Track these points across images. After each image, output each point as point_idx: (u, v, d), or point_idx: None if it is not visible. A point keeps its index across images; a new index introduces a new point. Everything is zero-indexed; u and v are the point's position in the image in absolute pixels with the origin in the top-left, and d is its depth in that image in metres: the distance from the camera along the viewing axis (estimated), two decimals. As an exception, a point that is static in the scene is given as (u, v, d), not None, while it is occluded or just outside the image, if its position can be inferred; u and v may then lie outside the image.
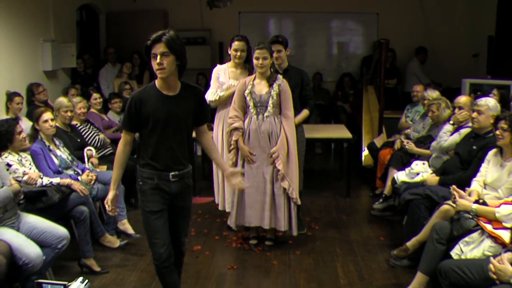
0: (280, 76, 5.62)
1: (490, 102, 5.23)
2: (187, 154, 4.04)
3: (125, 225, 5.92)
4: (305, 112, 6.01)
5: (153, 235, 3.99)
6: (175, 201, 4.03)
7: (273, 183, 5.59)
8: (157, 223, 3.98)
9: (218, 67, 6.22)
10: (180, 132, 3.93)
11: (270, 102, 5.49)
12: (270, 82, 5.52)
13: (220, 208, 6.30)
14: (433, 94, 7.20)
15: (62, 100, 6.33)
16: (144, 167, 3.97)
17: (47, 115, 5.58)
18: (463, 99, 5.99)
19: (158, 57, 3.70)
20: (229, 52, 6.07)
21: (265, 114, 5.52)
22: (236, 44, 5.94)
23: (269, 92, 5.50)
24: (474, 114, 5.26)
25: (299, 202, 5.70)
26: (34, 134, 5.55)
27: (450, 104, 6.44)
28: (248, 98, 5.54)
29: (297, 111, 5.88)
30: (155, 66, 3.74)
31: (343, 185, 7.97)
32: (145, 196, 3.99)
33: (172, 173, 3.94)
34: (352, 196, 7.73)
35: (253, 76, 5.65)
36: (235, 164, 5.64)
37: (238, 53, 5.91)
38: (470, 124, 5.55)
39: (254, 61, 5.49)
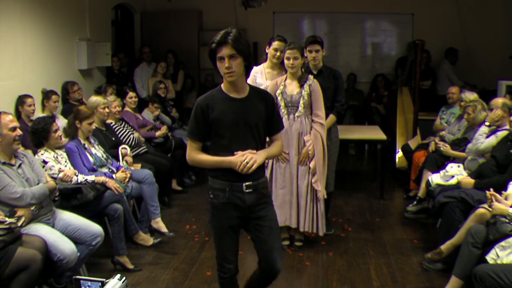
0: (311, 77, 5.60)
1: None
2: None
3: (159, 224, 5.96)
4: (331, 118, 5.94)
5: (224, 252, 3.78)
6: (252, 213, 3.70)
7: (298, 183, 5.58)
8: (229, 239, 3.75)
9: (255, 68, 6.19)
10: (253, 137, 3.62)
11: (301, 102, 5.48)
12: (301, 82, 5.52)
13: None
14: (470, 96, 7.11)
15: (97, 98, 6.39)
16: (215, 177, 3.66)
17: (92, 118, 5.68)
18: (500, 100, 5.91)
19: (226, 60, 3.44)
20: (267, 50, 6.07)
21: (296, 114, 5.51)
22: (276, 43, 5.93)
23: (300, 92, 5.49)
24: (512, 118, 5.21)
25: (321, 197, 5.61)
26: (74, 132, 5.61)
27: (486, 106, 6.37)
28: (279, 98, 5.53)
29: (329, 111, 5.88)
30: (223, 70, 3.48)
31: (376, 186, 7.94)
32: (216, 211, 3.68)
33: (246, 183, 3.60)
34: (386, 198, 7.67)
35: (284, 76, 5.64)
36: (266, 164, 5.61)
37: (278, 53, 5.87)
38: (507, 127, 5.47)
39: (285, 61, 5.49)
